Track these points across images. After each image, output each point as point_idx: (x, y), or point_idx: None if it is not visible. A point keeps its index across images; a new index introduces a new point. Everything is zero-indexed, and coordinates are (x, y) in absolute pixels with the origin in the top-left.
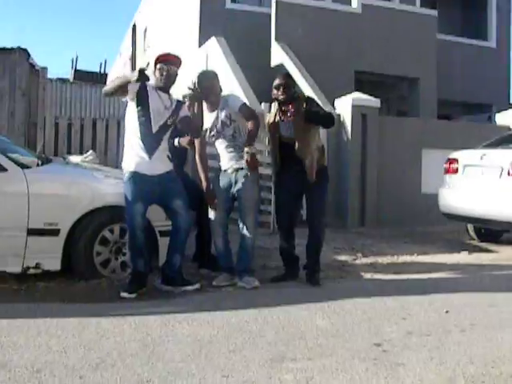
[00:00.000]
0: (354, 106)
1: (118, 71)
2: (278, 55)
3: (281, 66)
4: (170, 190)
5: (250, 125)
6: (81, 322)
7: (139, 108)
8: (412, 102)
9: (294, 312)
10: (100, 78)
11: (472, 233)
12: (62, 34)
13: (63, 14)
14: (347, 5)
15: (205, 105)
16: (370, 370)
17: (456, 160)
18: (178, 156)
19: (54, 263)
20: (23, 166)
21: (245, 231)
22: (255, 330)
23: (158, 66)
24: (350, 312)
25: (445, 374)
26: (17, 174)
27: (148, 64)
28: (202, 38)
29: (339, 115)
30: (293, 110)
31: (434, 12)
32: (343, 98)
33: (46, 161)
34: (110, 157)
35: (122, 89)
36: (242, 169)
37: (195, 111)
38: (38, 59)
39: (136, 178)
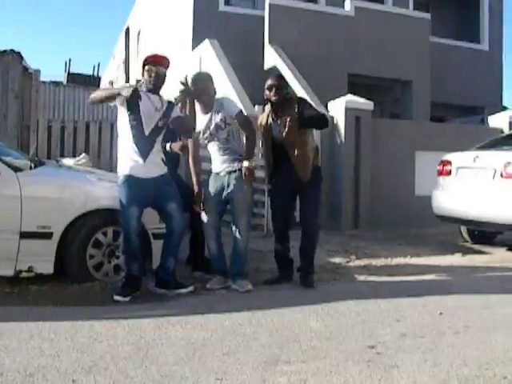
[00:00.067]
0: (347, 109)
1: (112, 74)
2: (272, 58)
3: (274, 69)
4: (164, 193)
5: (246, 137)
6: (74, 326)
7: (130, 112)
8: (405, 105)
9: (287, 314)
10: (93, 80)
11: (465, 235)
12: (56, 37)
13: (56, 17)
14: (340, 8)
15: (198, 107)
16: (363, 372)
17: (449, 162)
18: (171, 159)
19: (46, 266)
20: (16, 169)
21: (238, 234)
22: (249, 333)
23: (147, 67)
24: (344, 314)
25: (439, 375)
26: (9, 177)
27: (141, 81)
28: (196, 41)
29: (333, 118)
30: (289, 121)
31: (427, 15)
32: (337, 100)
33: (38, 164)
34: (104, 160)
35: (109, 100)
36: (235, 171)
37: (187, 112)
38: (31, 62)
39: (130, 181)
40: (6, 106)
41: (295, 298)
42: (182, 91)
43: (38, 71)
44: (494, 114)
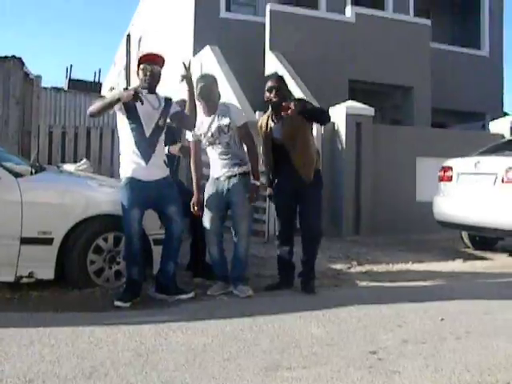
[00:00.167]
0: (348, 115)
1: (113, 81)
2: (272, 64)
3: None
4: (165, 197)
5: (247, 150)
6: (74, 331)
7: (128, 116)
8: (406, 111)
9: (288, 320)
10: (94, 86)
11: (467, 240)
12: (57, 44)
13: (58, 23)
14: (341, 14)
15: (200, 109)
16: (365, 378)
17: (450, 168)
18: (171, 162)
19: (47, 272)
20: (17, 175)
21: (238, 239)
22: (250, 339)
23: (142, 66)
24: (345, 320)
25: (440, 381)
26: (10, 183)
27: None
28: (197, 47)
29: (333, 123)
30: (294, 105)
31: (428, 21)
32: (337, 106)
33: (39, 169)
34: (104, 165)
35: (108, 109)
36: (235, 176)
37: (188, 110)
38: (32, 68)
39: (132, 183)
40: (7, 112)
41: (296, 304)
42: (183, 75)
43: (39, 77)
44: (494, 119)
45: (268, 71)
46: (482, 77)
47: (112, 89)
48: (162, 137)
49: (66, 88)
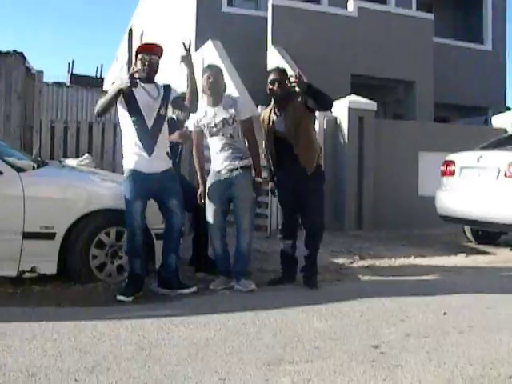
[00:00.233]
0: (350, 109)
1: (115, 76)
2: (274, 58)
3: None
4: (168, 189)
5: (248, 147)
6: (77, 326)
7: (129, 108)
8: (408, 106)
9: (291, 315)
10: (96, 82)
11: (469, 235)
12: (59, 39)
13: (60, 18)
14: (343, 8)
15: (205, 99)
16: (367, 372)
17: (453, 162)
18: (173, 152)
19: (49, 267)
20: (19, 170)
21: (241, 233)
22: (252, 333)
23: (139, 56)
24: (348, 314)
25: (443, 375)
26: (12, 178)
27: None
28: (199, 42)
29: (336, 118)
30: (298, 73)
31: (430, 15)
32: (340, 100)
33: (41, 164)
34: (107, 160)
35: (113, 103)
36: (237, 169)
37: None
38: (34, 64)
39: (135, 176)
40: (9, 107)
41: (298, 299)
42: (183, 56)
43: (40, 72)
44: (497, 114)
45: (270, 66)
46: (485, 71)
47: (114, 83)
48: (165, 128)
49: (68, 83)
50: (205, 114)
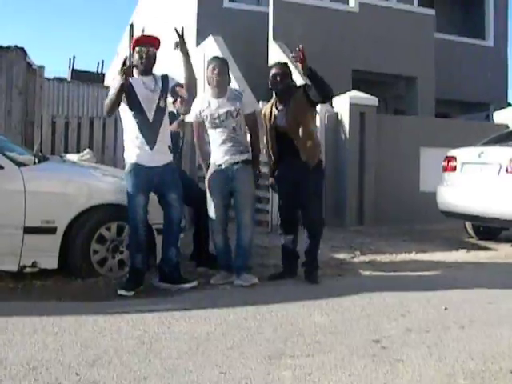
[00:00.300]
0: (351, 105)
1: (115, 71)
2: (276, 54)
3: None
4: (168, 183)
5: (250, 141)
6: (77, 320)
7: (129, 102)
8: (410, 101)
9: (292, 309)
10: (97, 77)
11: (470, 231)
12: (60, 34)
13: (61, 13)
14: (345, 4)
15: (209, 90)
16: (368, 366)
17: (454, 158)
18: (175, 148)
19: (50, 261)
20: (20, 164)
21: (242, 228)
22: (253, 327)
23: (137, 48)
24: (349, 309)
25: (444, 370)
26: (13, 172)
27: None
28: (200, 38)
29: (337, 113)
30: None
31: (432, 11)
32: (341, 96)
33: (42, 159)
34: (107, 155)
35: (119, 99)
36: (238, 163)
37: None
38: (35, 59)
39: (137, 169)
40: (10, 102)
41: (299, 293)
42: (177, 42)
43: (41, 67)
44: (499, 110)
45: (271, 61)
46: (487, 67)
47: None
48: (166, 121)
49: (69, 79)
50: (208, 105)
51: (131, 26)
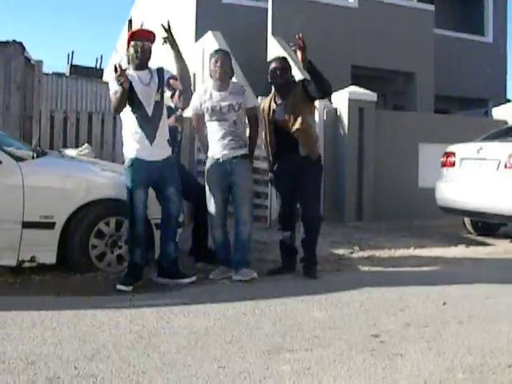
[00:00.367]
0: (350, 100)
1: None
2: (275, 49)
3: None
4: (166, 177)
5: (249, 135)
6: (76, 315)
7: (128, 97)
8: (409, 97)
9: (291, 304)
10: (96, 72)
11: (469, 226)
12: (59, 29)
13: (60, 8)
14: None
15: (211, 83)
16: (367, 360)
17: (453, 153)
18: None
19: (49, 256)
20: (18, 159)
21: (241, 223)
22: (252, 322)
23: (132, 43)
24: (348, 304)
25: (443, 364)
26: (12, 167)
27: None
28: (199, 33)
29: (336, 109)
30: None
31: (431, 7)
32: (340, 91)
33: (41, 154)
34: (106, 150)
35: (123, 101)
36: (236, 157)
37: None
38: (34, 54)
39: (137, 164)
40: (8, 97)
41: (298, 288)
42: (164, 37)
43: (40, 62)
44: (497, 106)
45: (270, 56)
46: (486, 63)
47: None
48: (165, 115)
49: (67, 74)
50: (210, 97)
51: (130, 21)
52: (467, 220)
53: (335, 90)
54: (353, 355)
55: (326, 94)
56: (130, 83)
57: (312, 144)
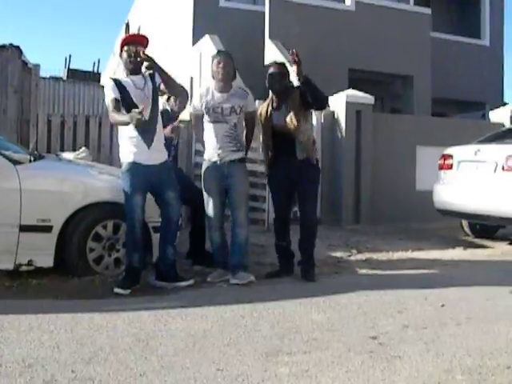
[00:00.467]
0: (348, 103)
1: (112, 71)
2: (272, 53)
3: None
4: (164, 181)
5: (246, 136)
6: (73, 318)
7: (124, 104)
8: (406, 100)
9: (289, 307)
10: (93, 76)
11: (467, 229)
12: (56, 33)
13: (57, 12)
14: (341, 3)
15: (213, 84)
16: (365, 362)
17: (450, 156)
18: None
19: (46, 260)
20: (16, 163)
21: (238, 226)
22: (250, 325)
23: (125, 47)
24: (346, 306)
25: (442, 366)
26: (9, 170)
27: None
28: (196, 36)
29: (333, 112)
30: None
31: (428, 10)
32: (337, 95)
33: (38, 157)
34: (103, 153)
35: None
36: (233, 161)
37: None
38: (31, 58)
39: (134, 168)
40: (5, 101)
41: (296, 291)
42: (147, 66)
43: (37, 66)
44: (494, 109)
45: (268, 60)
46: (483, 66)
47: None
48: (160, 119)
49: (64, 78)
50: (212, 98)
51: (127, 25)
52: (465, 222)
53: (333, 93)
54: (351, 357)
55: (321, 107)
56: (125, 88)
57: (309, 148)
